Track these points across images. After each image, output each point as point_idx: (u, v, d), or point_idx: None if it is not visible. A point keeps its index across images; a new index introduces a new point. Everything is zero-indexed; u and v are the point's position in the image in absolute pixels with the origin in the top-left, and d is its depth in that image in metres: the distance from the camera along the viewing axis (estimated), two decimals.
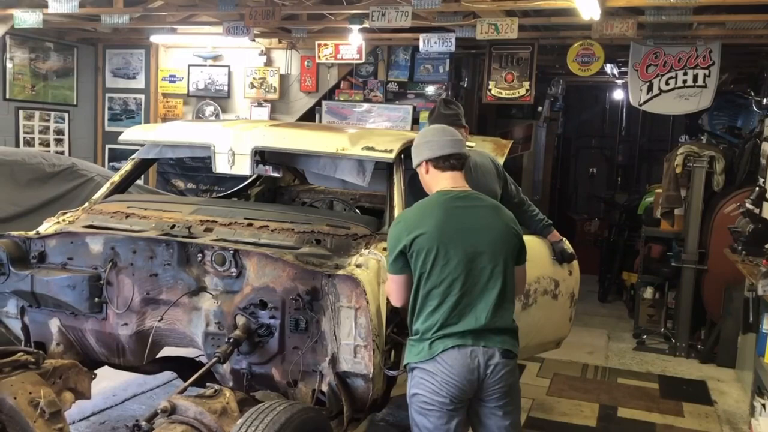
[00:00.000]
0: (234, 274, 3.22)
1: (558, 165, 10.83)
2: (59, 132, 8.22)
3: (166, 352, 3.93)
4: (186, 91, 8.26)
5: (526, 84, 7.10)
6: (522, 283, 3.00)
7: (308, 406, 2.80)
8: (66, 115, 8.27)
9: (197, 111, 8.22)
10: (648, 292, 6.93)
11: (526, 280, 3.06)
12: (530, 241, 3.97)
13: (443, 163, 2.82)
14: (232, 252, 3.20)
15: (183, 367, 3.92)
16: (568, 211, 10.83)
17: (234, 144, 3.65)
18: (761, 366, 4.37)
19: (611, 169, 11.46)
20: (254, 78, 7.96)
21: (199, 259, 3.27)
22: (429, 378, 2.66)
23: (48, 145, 8.05)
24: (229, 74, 8.09)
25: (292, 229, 3.39)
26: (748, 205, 4.72)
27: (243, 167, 3.66)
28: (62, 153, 8.06)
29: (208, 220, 3.51)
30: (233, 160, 3.66)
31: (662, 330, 6.72)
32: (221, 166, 3.69)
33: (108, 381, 4.72)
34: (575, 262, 4.34)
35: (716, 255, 5.95)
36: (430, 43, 6.70)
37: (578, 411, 4.92)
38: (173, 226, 3.46)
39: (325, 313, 3.06)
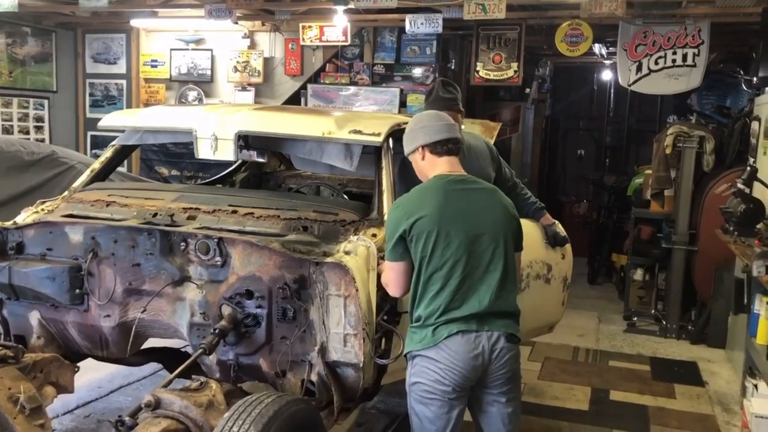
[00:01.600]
0: (219, 263, 3.13)
1: (546, 147, 10.77)
2: (39, 119, 8.04)
3: (152, 343, 3.86)
4: (168, 75, 8.10)
5: (514, 65, 7.00)
6: (518, 272, 2.93)
7: (297, 398, 2.73)
8: (45, 102, 8.09)
9: (180, 96, 8.07)
10: (638, 274, 6.91)
11: (520, 269, 3.00)
12: (523, 224, 3.91)
13: (440, 148, 2.78)
14: (216, 240, 3.10)
15: (168, 358, 3.84)
16: (556, 194, 10.78)
17: (217, 129, 3.54)
18: (753, 346, 4.35)
19: (599, 150, 11.42)
20: (238, 62, 7.82)
21: (183, 248, 3.17)
22: (432, 366, 2.61)
23: (27, 132, 7.88)
24: (212, 58, 7.94)
25: (278, 216, 3.29)
26: (740, 185, 4.67)
27: (226, 152, 3.55)
28: (42, 140, 7.89)
29: (191, 208, 3.41)
30: (216, 145, 3.56)
31: (653, 311, 6.70)
32: (204, 152, 3.59)
33: (93, 373, 4.63)
34: (568, 246, 4.27)
35: (707, 236, 5.92)
36: (416, 24, 6.59)
37: (570, 394, 4.89)
38: (155, 215, 3.36)
39: (313, 301, 2.98)
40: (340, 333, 2.95)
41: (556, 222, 4.20)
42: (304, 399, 2.83)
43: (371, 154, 3.57)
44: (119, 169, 7.36)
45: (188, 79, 8.03)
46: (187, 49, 7.99)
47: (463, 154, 3.58)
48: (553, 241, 4.09)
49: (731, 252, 5.39)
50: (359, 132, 3.46)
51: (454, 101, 3.56)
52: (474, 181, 2.82)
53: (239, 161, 5.31)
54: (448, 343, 2.57)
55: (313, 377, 3.03)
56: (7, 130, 7.64)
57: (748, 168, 4.68)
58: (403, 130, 3.02)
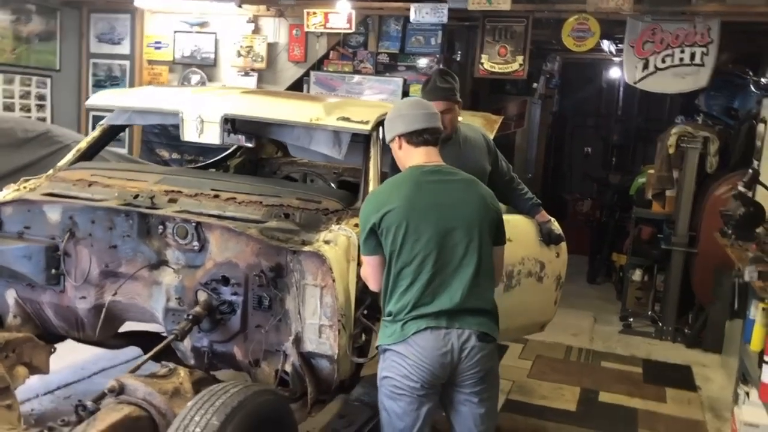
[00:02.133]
0: (196, 247, 3.08)
1: (552, 143, 10.64)
2: (41, 97, 7.99)
3: (134, 327, 3.82)
4: (172, 58, 8.01)
5: (520, 58, 6.88)
6: (500, 267, 2.84)
7: (265, 389, 2.67)
8: (48, 80, 8.03)
9: (183, 79, 7.99)
10: (637, 275, 6.81)
11: (503, 265, 2.89)
12: (516, 220, 3.82)
13: (416, 138, 2.69)
14: (194, 224, 3.05)
15: (147, 342, 3.78)
16: (561, 191, 10.67)
17: (203, 111, 3.47)
18: (746, 353, 4.26)
19: (606, 148, 11.28)
20: (241, 46, 7.72)
21: (160, 231, 3.12)
22: (400, 361, 2.54)
23: (29, 110, 7.83)
24: (216, 42, 7.85)
25: (260, 202, 3.23)
26: (740, 188, 4.56)
27: (212, 136, 3.49)
28: (44, 119, 7.85)
29: (173, 191, 3.35)
30: (202, 128, 3.49)
31: (649, 313, 6.61)
32: (190, 135, 3.52)
33: (78, 354, 4.59)
34: (563, 244, 4.16)
35: (707, 238, 5.81)
36: (421, 14, 6.50)
37: (559, 394, 4.81)
38: (136, 196, 3.30)
39: (289, 290, 2.92)
40: (315, 324, 2.89)
41: (552, 219, 4.09)
42: (273, 390, 2.77)
43: (361, 142, 3.50)
44: (120, 151, 7.40)
45: (191, 63, 7.95)
46: (191, 32, 7.90)
47: (457, 144, 3.53)
48: (547, 238, 3.98)
49: (729, 256, 5.30)
50: (347, 119, 3.38)
51: (451, 91, 3.47)
52: (450, 172, 2.72)
53: (235, 146, 5.27)
54: (417, 339, 2.51)
55: (288, 368, 2.98)
56: (9, 108, 7.59)
57: (750, 171, 4.57)
58: None
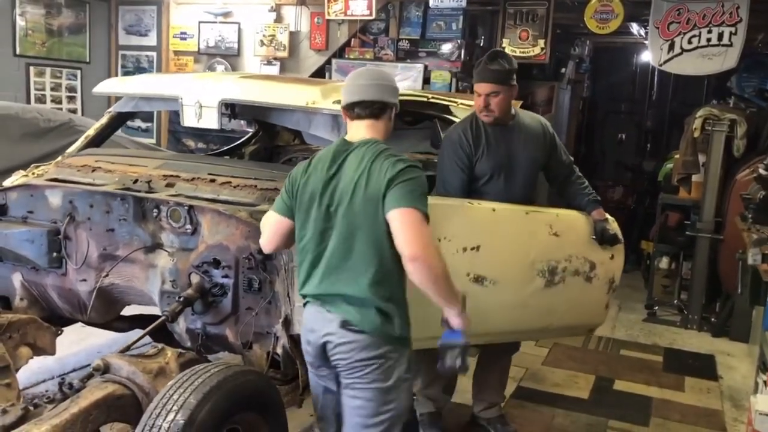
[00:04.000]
0: (189, 230, 3.11)
1: (583, 130, 10.43)
2: (71, 89, 8.18)
3: (141, 310, 3.89)
4: (197, 48, 8.11)
5: (542, 42, 6.77)
6: (409, 233, 2.30)
7: (247, 369, 2.69)
8: (78, 72, 8.22)
9: (208, 69, 8.09)
10: (663, 262, 6.65)
11: (417, 230, 2.30)
12: (567, 215, 3.66)
13: (350, 111, 2.53)
14: (187, 208, 3.08)
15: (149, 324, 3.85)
16: (592, 177, 10.46)
17: (201, 96, 3.50)
18: (766, 340, 4.12)
19: (640, 134, 11.01)
20: (264, 35, 7.77)
21: (155, 214, 3.16)
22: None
23: (60, 102, 8.03)
24: (239, 31, 7.92)
25: (255, 186, 3.25)
26: (761, 171, 4.40)
27: (210, 120, 3.51)
28: (74, 111, 8.03)
29: (171, 175, 3.39)
30: (200, 113, 3.52)
31: (675, 302, 6.44)
32: (189, 119, 3.56)
33: (96, 338, 4.72)
34: (620, 247, 3.84)
35: (732, 224, 5.62)
36: None
37: (572, 382, 4.73)
38: (135, 181, 3.35)
39: (278, 273, 2.93)
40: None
41: (610, 219, 3.80)
42: (255, 371, 2.78)
43: None
44: (146, 141, 7.52)
45: (216, 53, 8.04)
46: (215, 22, 7.99)
47: (512, 133, 3.43)
48: (600, 237, 3.66)
49: None
50: None
51: (498, 73, 3.30)
52: (359, 145, 2.46)
53: (251, 134, 5.31)
54: (305, 312, 2.52)
55: (279, 350, 2.99)
56: (40, 100, 7.80)
57: None
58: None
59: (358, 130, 2.52)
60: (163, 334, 3.25)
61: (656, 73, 10.56)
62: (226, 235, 3.01)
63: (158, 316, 3.91)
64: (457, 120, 4.31)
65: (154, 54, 8.37)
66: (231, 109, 3.53)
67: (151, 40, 8.38)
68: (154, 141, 8.29)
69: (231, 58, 7.98)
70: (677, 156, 6.53)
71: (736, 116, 5.86)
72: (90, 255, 3.28)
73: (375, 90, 2.50)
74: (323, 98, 3.40)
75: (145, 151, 4.71)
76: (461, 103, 4.55)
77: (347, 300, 2.38)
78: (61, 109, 7.83)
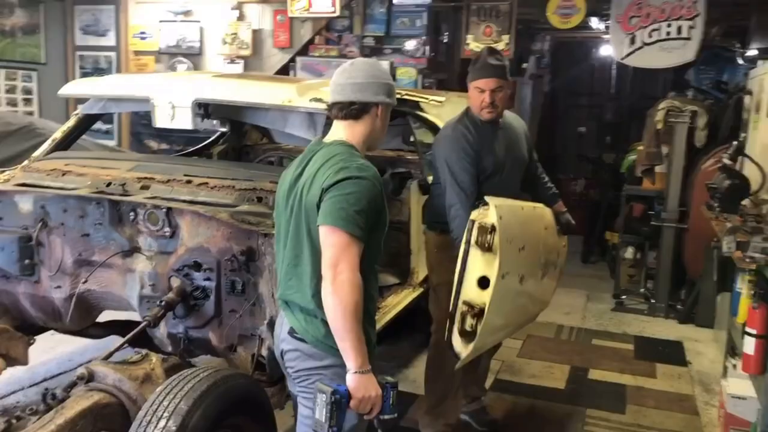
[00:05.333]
0: (167, 233, 3.05)
1: (545, 124, 10.56)
2: (27, 91, 7.95)
3: (116, 316, 3.81)
4: (157, 48, 7.96)
5: (506, 38, 6.83)
6: (327, 254, 2.16)
7: (236, 373, 2.65)
8: (34, 74, 7.98)
9: (169, 69, 7.94)
10: (629, 252, 6.77)
11: (332, 252, 2.14)
12: (546, 210, 3.61)
13: (329, 111, 2.43)
14: (164, 210, 3.02)
15: (129, 331, 3.76)
16: (555, 171, 10.59)
17: (174, 97, 3.44)
18: (734, 325, 4.23)
19: (600, 128, 11.20)
20: (226, 34, 7.67)
21: (132, 218, 3.10)
22: None
23: (15, 105, 7.80)
24: (201, 30, 7.79)
25: (233, 187, 3.20)
26: (726, 160, 4.52)
27: (184, 121, 3.46)
28: (31, 113, 7.81)
29: (145, 177, 3.33)
30: (173, 113, 3.47)
31: (642, 290, 6.58)
32: (161, 120, 3.50)
33: (66, 346, 4.61)
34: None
35: (697, 213, 5.76)
36: None
37: (548, 373, 4.79)
38: (109, 184, 3.28)
39: (262, 274, 2.90)
40: None
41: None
42: (243, 374, 2.75)
43: None
44: (109, 143, 7.36)
45: (177, 52, 7.89)
46: (176, 21, 7.85)
47: (505, 131, 3.43)
48: (566, 228, 3.73)
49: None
50: (320, 100, 3.34)
51: (502, 69, 3.31)
52: (325, 146, 2.36)
53: (218, 134, 5.23)
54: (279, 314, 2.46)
55: (264, 352, 2.96)
56: None
57: (735, 143, 4.52)
58: None
59: (336, 131, 2.42)
60: (141, 339, 3.18)
61: (615, 66, 10.77)
62: (206, 237, 2.97)
63: (133, 322, 3.85)
64: (428, 116, 4.32)
65: (113, 54, 8.19)
66: (204, 108, 3.48)
67: (109, 40, 8.19)
68: (115, 143, 8.12)
69: (193, 57, 7.85)
70: (640, 148, 6.66)
71: (697, 108, 6.00)
72: (65, 261, 3.19)
73: (353, 90, 2.34)
74: (299, 96, 3.38)
75: (116, 153, 4.60)
76: (432, 100, 4.57)
77: (299, 308, 2.30)
78: (17, 111, 7.61)
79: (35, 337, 3.52)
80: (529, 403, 4.30)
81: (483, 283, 2.91)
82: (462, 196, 3.26)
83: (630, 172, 7.12)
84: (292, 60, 7.55)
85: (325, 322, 2.19)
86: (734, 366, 4.18)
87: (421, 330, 4.28)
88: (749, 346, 3.32)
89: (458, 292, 2.95)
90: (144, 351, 2.72)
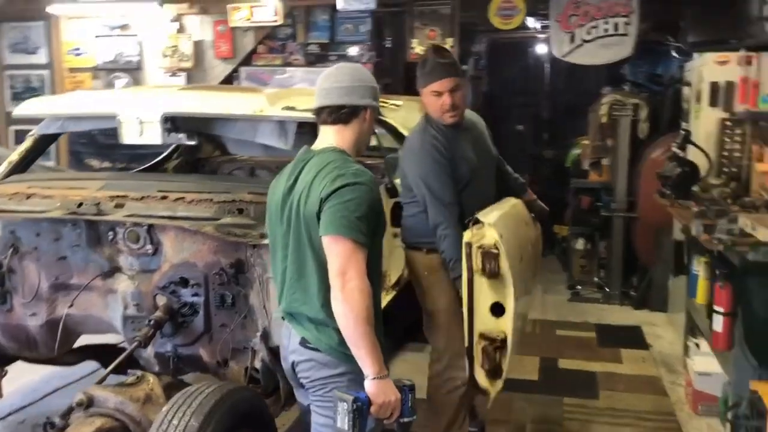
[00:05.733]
0: (150, 251, 2.99)
1: (485, 124, 10.75)
2: None
3: (87, 340, 3.69)
4: (94, 64, 7.74)
5: (450, 41, 6.94)
6: (332, 264, 2.15)
7: (240, 386, 2.63)
8: None
9: (108, 85, 7.73)
10: (580, 244, 6.97)
11: (338, 262, 2.14)
12: (519, 204, 3.52)
13: (317, 116, 2.39)
14: (145, 227, 2.96)
15: (105, 355, 3.66)
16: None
17: (141, 111, 3.37)
18: (693, 306, 4.43)
19: (538, 125, 11.49)
20: (167, 47, 7.52)
21: (111, 237, 3.02)
22: None
23: None
24: (140, 44, 7.62)
25: (211, 200, 3.15)
26: (675, 149, 4.73)
27: (153, 136, 3.38)
28: None
29: (118, 196, 3.23)
30: (142, 129, 3.39)
31: (595, 279, 6.79)
32: (129, 137, 3.41)
33: (28, 376, 4.42)
34: None
35: (645, 202, 6.00)
36: (349, 1, 6.47)
37: (520, 365, 4.86)
38: (80, 204, 3.17)
39: (252, 286, 2.87)
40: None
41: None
42: (247, 387, 2.73)
43: (308, 132, 3.45)
44: (47, 163, 7.09)
45: (115, 67, 7.69)
46: (112, 36, 7.65)
47: (471, 131, 3.26)
48: (540, 216, 3.68)
49: (669, 216, 5.50)
50: (293, 108, 3.34)
51: (455, 66, 3.13)
52: (317, 154, 2.34)
53: (171, 148, 5.13)
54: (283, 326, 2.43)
55: (257, 364, 2.93)
56: None
57: (682, 132, 4.74)
58: None
59: (325, 137, 2.39)
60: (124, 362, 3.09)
61: (548, 65, 11.07)
62: (192, 252, 2.92)
63: (109, 346, 3.76)
64: (388, 120, 4.36)
65: (45, 72, 7.91)
66: (172, 122, 3.42)
67: (40, 57, 7.89)
68: (53, 163, 7.83)
69: (132, 71, 7.67)
70: (585, 142, 6.89)
71: (638, 101, 6.26)
72: (40, 287, 3.08)
73: (340, 93, 2.32)
74: (271, 105, 3.37)
75: (80, 173, 4.46)
76: (391, 104, 4.62)
77: (308, 319, 2.28)
78: None
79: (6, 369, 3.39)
80: (507, 396, 4.36)
81: (497, 310, 2.77)
82: (446, 212, 3.04)
83: (575, 165, 7.35)
84: (236, 70, 7.48)
85: (338, 330, 2.18)
86: (697, 345, 4.39)
87: (392, 334, 4.31)
88: (718, 323, 3.49)
89: (471, 326, 2.79)
90: (139, 372, 2.65)
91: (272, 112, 3.33)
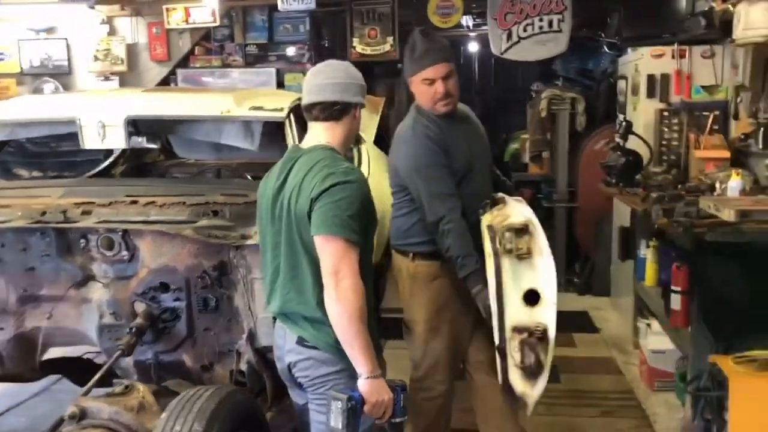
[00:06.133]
0: (125, 257, 2.91)
1: None
2: None
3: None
4: (19, 69, 7.40)
5: (390, 39, 7.03)
6: (326, 258, 2.16)
7: (235, 389, 2.60)
8: None
9: (35, 91, 7.40)
10: None
11: (334, 258, 2.14)
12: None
13: (308, 113, 2.37)
14: (120, 233, 2.88)
15: (70, 368, 3.53)
16: None
17: (103, 115, 3.27)
18: (642, 289, 4.64)
19: None
20: (98, 50, 7.27)
21: (83, 245, 2.92)
22: None
23: None
24: (68, 47, 7.34)
25: (184, 203, 3.09)
26: (618, 140, 4.94)
27: (116, 140, 3.30)
28: None
29: (84, 202, 3.13)
30: (104, 133, 3.29)
31: None
32: (91, 141, 3.31)
33: None
34: None
35: (585, 192, 6.25)
36: (288, 1, 6.44)
37: None
38: (44, 213, 3.05)
39: (236, 287, 2.84)
40: (268, 317, 2.81)
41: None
42: (242, 389, 2.69)
43: (274, 133, 3.43)
44: None
45: (43, 72, 7.37)
46: (39, 39, 7.34)
47: (467, 123, 3.04)
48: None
49: (609, 205, 5.75)
50: (260, 108, 3.33)
51: (446, 50, 2.88)
52: (306, 152, 2.32)
53: (117, 154, 4.99)
54: (275, 329, 2.44)
55: (243, 366, 2.90)
56: None
57: (624, 123, 4.95)
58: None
59: (314, 134, 2.37)
60: (87, 373, 2.99)
61: (477, 62, 11.34)
62: (171, 256, 2.86)
63: (76, 359, 3.63)
64: None
65: None
66: (134, 126, 3.33)
67: None
68: None
69: (61, 76, 7.37)
70: (524, 136, 7.10)
71: (575, 95, 6.50)
72: (8, 300, 2.94)
73: (334, 90, 2.30)
74: (238, 106, 3.34)
75: (33, 182, 4.27)
76: None
77: (304, 318, 2.27)
78: None
79: None
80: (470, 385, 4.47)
81: (531, 298, 2.43)
82: (449, 202, 2.73)
83: (514, 160, 7.56)
84: (173, 73, 7.32)
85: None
86: (648, 325, 4.60)
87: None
88: (676, 302, 3.68)
89: (502, 320, 2.43)
90: (126, 381, 2.58)
91: (240, 112, 3.30)
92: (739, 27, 2.97)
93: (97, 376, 2.67)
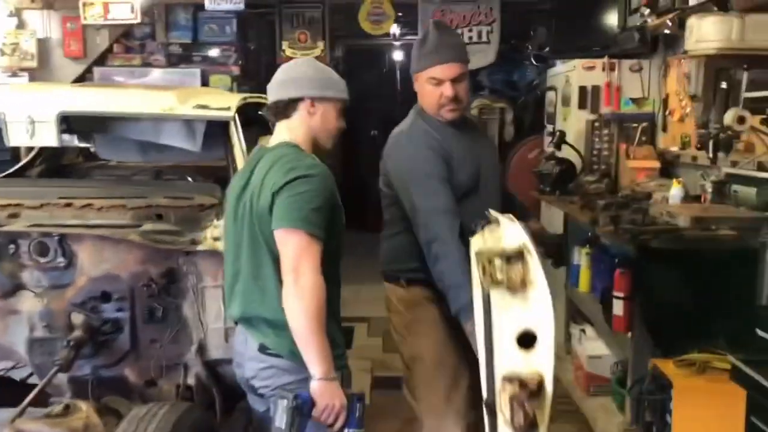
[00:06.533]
0: (62, 264, 2.69)
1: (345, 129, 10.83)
2: None
3: None
4: None
5: (321, 44, 6.93)
6: (287, 251, 2.08)
7: (190, 405, 2.43)
8: None
9: None
10: None
11: (296, 251, 2.06)
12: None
13: (269, 113, 2.35)
14: (57, 238, 2.65)
15: None
16: (359, 173, 10.92)
17: (33, 110, 3.01)
18: (575, 295, 4.73)
19: (390, 130, 11.73)
20: (4, 44, 6.79)
21: (12, 251, 2.67)
22: None
23: None
24: None
25: (124, 206, 2.90)
26: (551, 149, 5.03)
27: (47, 137, 3.04)
28: None
29: (10, 204, 2.87)
30: (33, 129, 3.03)
31: None
32: (17, 138, 3.04)
33: None
34: None
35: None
36: (216, 1, 6.24)
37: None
38: None
39: (185, 296, 2.68)
40: (220, 328, 2.68)
41: None
42: (199, 405, 2.52)
43: (219, 134, 3.26)
44: None
45: None
46: None
47: (472, 129, 2.80)
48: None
49: (537, 213, 5.83)
50: (206, 107, 3.16)
51: (462, 49, 2.62)
52: (269, 150, 2.28)
53: (33, 154, 4.66)
54: (235, 335, 2.35)
55: (190, 380, 2.73)
56: None
57: (558, 132, 5.06)
58: (253, 105, 2.80)
59: (277, 133, 2.34)
60: (21, 391, 2.74)
61: (400, 71, 11.37)
62: (114, 263, 2.66)
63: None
64: None
65: None
66: (67, 122, 3.10)
67: None
68: None
69: None
70: None
71: (504, 105, 6.60)
72: None
73: (278, 88, 2.30)
74: (181, 104, 3.16)
75: None
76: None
77: (266, 322, 2.16)
78: None
79: None
80: (396, 397, 4.40)
81: (526, 340, 1.96)
82: (447, 220, 2.34)
83: None
84: (89, 71, 6.92)
85: None
86: (582, 330, 4.69)
87: None
88: (618, 307, 3.75)
89: (491, 368, 1.96)
90: (66, 400, 2.36)
91: (183, 110, 3.12)
92: (691, 39, 3.06)
93: (32, 394, 2.44)
